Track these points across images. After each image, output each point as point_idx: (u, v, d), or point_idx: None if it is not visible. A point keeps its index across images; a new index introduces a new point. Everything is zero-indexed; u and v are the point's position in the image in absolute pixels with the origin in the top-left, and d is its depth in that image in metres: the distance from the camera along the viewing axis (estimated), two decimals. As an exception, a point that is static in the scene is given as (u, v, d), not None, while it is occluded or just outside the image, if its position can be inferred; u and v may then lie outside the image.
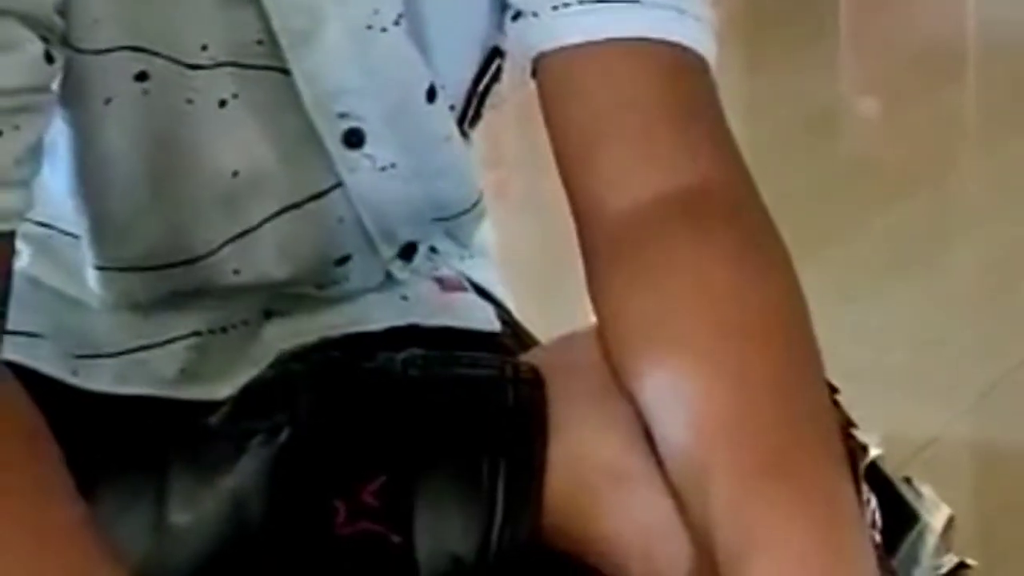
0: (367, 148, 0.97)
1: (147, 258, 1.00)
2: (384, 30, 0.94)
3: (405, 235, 1.04)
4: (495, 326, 1.06)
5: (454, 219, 1.06)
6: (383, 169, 0.98)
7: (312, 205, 0.99)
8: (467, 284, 1.09)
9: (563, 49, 0.93)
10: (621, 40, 0.92)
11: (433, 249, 1.09)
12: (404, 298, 1.05)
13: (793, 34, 3.48)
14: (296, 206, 0.99)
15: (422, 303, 1.05)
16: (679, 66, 0.93)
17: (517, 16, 0.95)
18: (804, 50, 3.38)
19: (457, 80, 1.01)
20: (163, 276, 1.00)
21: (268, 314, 1.03)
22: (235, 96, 0.94)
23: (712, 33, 0.95)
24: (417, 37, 0.96)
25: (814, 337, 0.88)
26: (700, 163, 0.91)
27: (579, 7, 0.92)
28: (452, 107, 1.01)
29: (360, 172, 0.98)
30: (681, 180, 0.90)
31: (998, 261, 2.44)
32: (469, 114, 1.03)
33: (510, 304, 1.13)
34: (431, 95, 0.98)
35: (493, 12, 0.98)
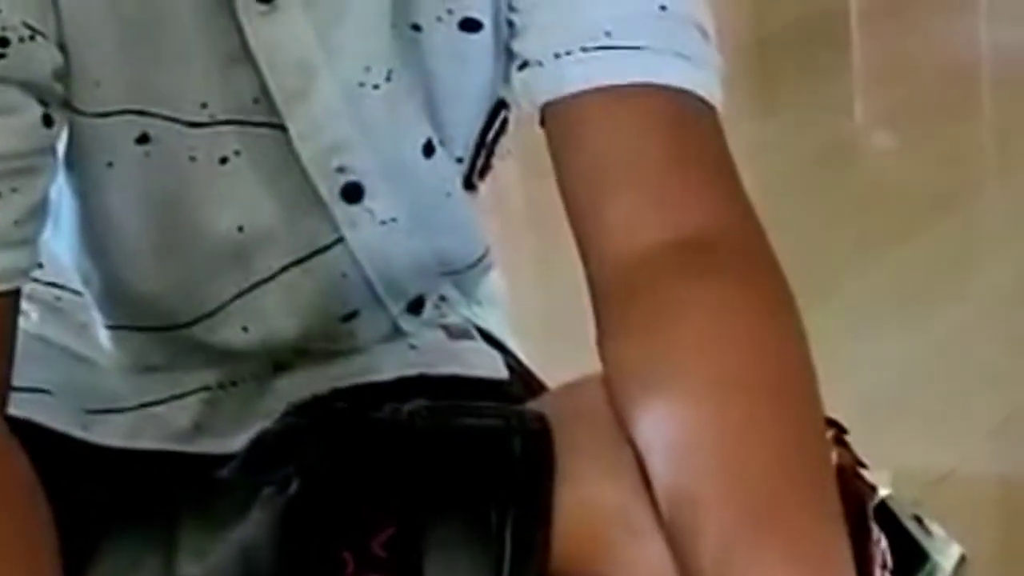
0: (366, 202, 0.98)
1: (156, 317, 1.01)
2: (376, 87, 0.95)
3: (412, 289, 1.04)
4: (503, 373, 1.07)
5: (461, 273, 1.07)
6: (383, 223, 0.99)
7: (316, 260, 0.99)
8: (474, 332, 1.09)
9: (568, 97, 0.93)
10: (625, 87, 0.92)
11: (441, 297, 1.09)
12: (412, 347, 1.06)
13: (805, 67, 3.48)
14: (300, 261, 0.99)
15: (430, 352, 1.05)
16: (685, 111, 0.93)
17: (523, 66, 0.96)
18: (817, 83, 3.38)
19: (466, 132, 1.01)
20: (173, 336, 1.01)
21: (278, 367, 1.04)
22: (236, 153, 0.95)
23: (718, 78, 0.95)
24: (424, 91, 0.97)
25: (815, 385, 0.88)
26: (706, 210, 0.91)
27: (582, 54, 0.92)
28: (460, 159, 1.01)
29: (360, 226, 0.98)
30: (687, 228, 0.90)
31: (1013, 293, 2.44)
32: (478, 165, 1.03)
33: (518, 349, 1.14)
34: (428, 151, 0.98)
35: (498, 63, 0.99)
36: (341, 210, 0.98)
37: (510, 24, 0.96)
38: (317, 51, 0.93)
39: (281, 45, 0.92)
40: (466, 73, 0.98)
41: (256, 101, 0.94)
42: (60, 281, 1.02)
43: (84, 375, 1.04)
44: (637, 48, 0.92)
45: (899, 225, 2.69)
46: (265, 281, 0.99)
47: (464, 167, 1.02)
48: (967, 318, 2.35)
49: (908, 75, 3.44)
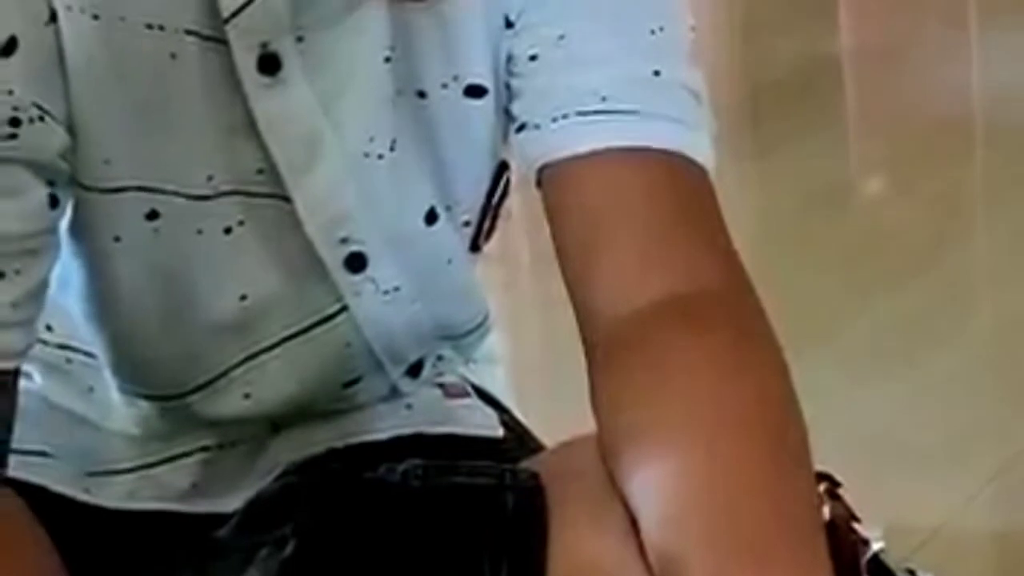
0: (369, 271, 0.98)
1: (159, 384, 1.02)
2: (380, 156, 0.96)
3: (412, 354, 1.05)
4: (498, 432, 1.08)
5: (461, 338, 1.08)
6: (386, 292, 1.00)
7: (319, 330, 1.00)
8: (470, 390, 1.10)
9: (564, 160, 0.94)
10: (620, 150, 0.93)
11: (439, 358, 1.10)
12: (408, 407, 1.07)
13: (799, 116, 3.49)
14: (304, 331, 1.00)
15: (426, 411, 1.06)
16: (678, 174, 0.94)
17: (521, 128, 0.97)
18: (810, 130, 3.40)
19: (472, 196, 1.02)
20: (175, 403, 1.02)
21: (276, 427, 1.05)
22: (240, 223, 0.96)
23: (710, 140, 0.96)
24: (429, 158, 0.98)
25: (804, 441, 0.88)
26: (697, 272, 0.92)
27: (578, 118, 0.94)
28: (467, 223, 1.03)
29: (364, 296, 0.99)
30: (678, 288, 0.91)
31: (1006, 341, 2.44)
32: (484, 228, 1.04)
33: (513, 406, 1.15)
34: (431, 218, 1.00)
35: (499, 125, 1.00)
36: (344, 280, 0.98)
37: (508, 87, 0.98)
38: (322, 123, 0.94)
39: (285, 117, 0.93)
40: (471, 138, 0.99)
41: (260, 172, 0.94)
42: (72, 343, 1.02)
43: (86, 438, 1.04)
44: (632, 112, 0.94)
45: (892, 271, 2.69)
46: (267, 350, 1.00)
47: (471, 231, 1.03)
48: (960, 367, 2.35)
49: (901, 122, 3.45)
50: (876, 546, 0.96)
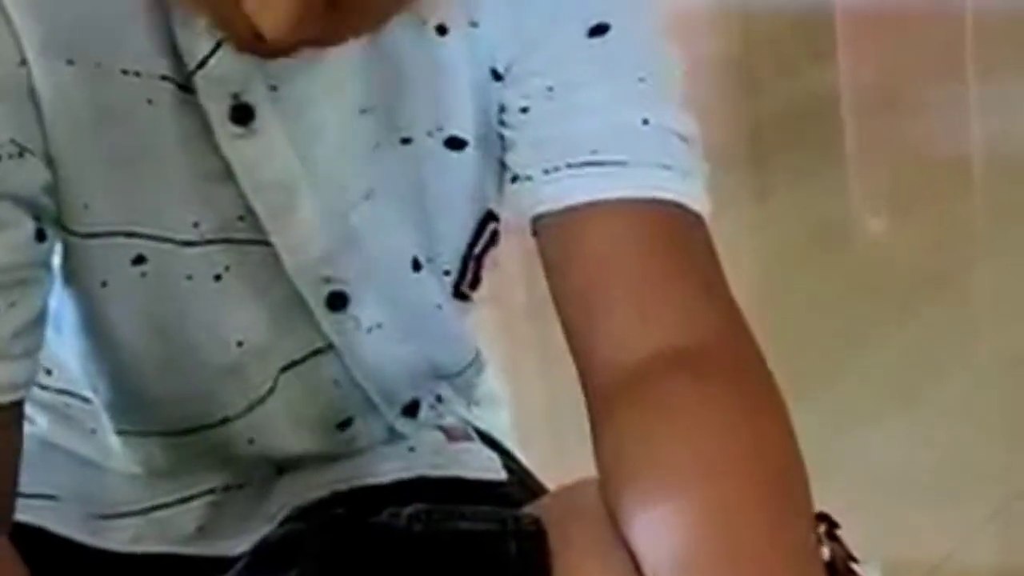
0: (351, 310, 0.99)
1: (162, 424, 1.02)
2: (351, 207, 0.97)
3: (406, 394, 1.06)
4: (501, 475, 1.08)
5: (452, 377, 1.09)
6: (369, 330, 1.00)
7: (307, 365, 1.01)
8: (472, 433, 1.11)
9: (557, 212, 0.94)
10: (612, 201, 0.93)
11: (438, 398, 1.11)
12: (411, 449, 1.07)
13: (799, 157, 3.50)
14: (293, 365, 1.01)
15: (429, 454, 1.07)
16: (671, 223, 0.94)
17: (515, 179, 0.97)
18: (810, 172, 3.40)
19: (453, 245, 1.03)
20: (178, 442, 1.02)
21: (280, 470, 1.05)
22: (227, 269, 0.96)
23: (703, 186, 0.96)
24: (413, 205, 0.99)
25: (805, 484, 0.89)
26: (695, 321, 0.92)
27: (568, 171, 0.94)
28: (448, 272, 1.03)
29: (347, 334, 1.00)
30: (676, 339, 0.91)
31: (1007, 377, 2.45)
32: (467, 278, 1.05)
33: (518, 447, 1.15)
34: (416, 266, 1.00)
35: (487, 177, 1.01)
36: (327, 318, 0.99)
37: (502, 137, 0.98)
38: (297, 170, 0.94)
39: (260, 165, 0.93)
40: (452, 188, 1.00)
41: (241, 219, 0.95)
42: (69, 388, 1.03)
43: (91, 480, 1.05)
44: (623, 163, 0.94)
45: (892, 308, 2.70)
46: (267, 394, 1.01)
47: (451, 279, 1.04)
48: (962, 403, 2.36)
49: (899, 162, 3.46)
50: (875, 586, 0.97)
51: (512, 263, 2.34)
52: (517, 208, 0.98)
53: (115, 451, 1.04)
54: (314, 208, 0.95)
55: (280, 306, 0.98)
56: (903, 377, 2.46)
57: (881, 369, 2.49)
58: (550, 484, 1.07)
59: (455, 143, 0.98)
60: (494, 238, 1.04)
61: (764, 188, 3.47)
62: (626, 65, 0.95)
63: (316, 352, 1.01)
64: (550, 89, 0.95)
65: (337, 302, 0.99)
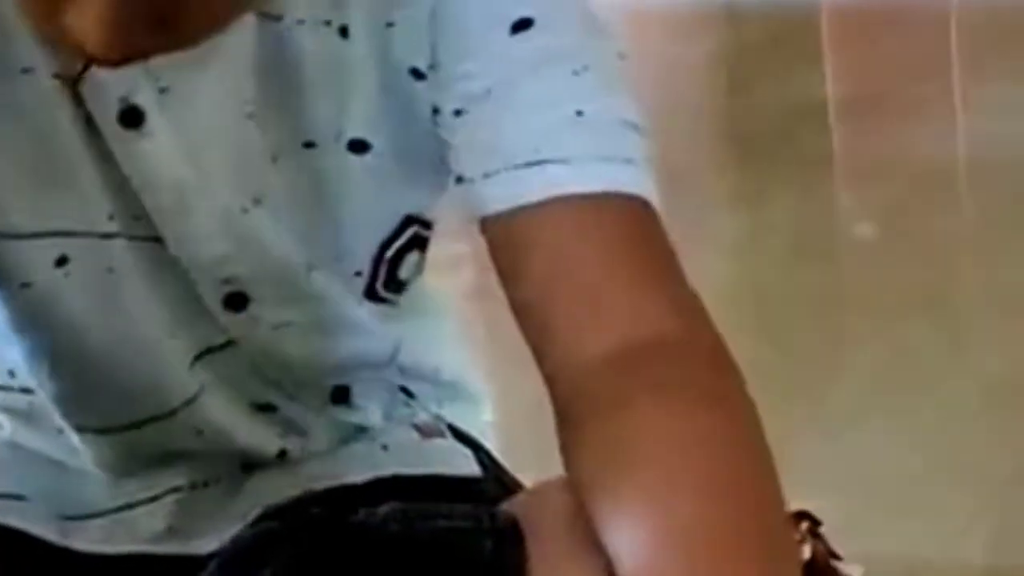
0: (251, 310, 0.98)
1: (112, 420, 1.01)
2: (246, 210, 0.95)
3: (325, 383, 1.04)
4: (475, 471, 1.07)
5: (373, 369, 1.07)
6: (274, 328, 0.99)
7: (218, 357, 1.00)
8: (445, 430, 1.10)
9: (501, 215, 0.93)
10: (554, 200, 0.91)
11: (408, 393, 1.10)
12: (384, 448, 1.06)
13: (786, 165, 3.51)
14: (204, 355, 1.00)
15: (402, 452, 1.06)
16: (617, 215, 0.92)
17: (459, 180, 0.95)
18: (798, 177, 3.41)
19: (363, 247, 1.01)
20: (135, 438, 1.01)
21: (248, 467, 1.04)
22: (132, 266, 0.95)
23: (648, 171, 0.94)
24: (313, 209, 0.97)
25: (774, 482, 0.87)
26: (652, 315, 0.90)
27: (509, 173, 0.92)
28: (359, 273, 1.01)
29: (248, 332, 0.99)
30: (634, 335, 0.90)
31: (994, 386, 2.45)
32: (380, 279, 1.02)
33: (499, 446, 1.14)
34: (310, 267, 0.98)
35: (405, 178, 0.99)
36: (225, 317, 0.98)
37: (438, 139, 0.96)
38: (186, 173, 0.93)
39: (149, 168, 0.92)
40: (357, 192, 0.98)
41: (138, 218, 0.94)
42: (30, 385, 1.02)
43: (59, 480, 1.04)
44: (563, 161, 0.92)
45: (880, 317, 2.70)
46: (198, 388, 1.00)
47: (363, 280, 1.02)
48: (948, 409, 2.36)
49: (887, 170, 3.47)
50: (857, 584, 0.96)
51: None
52: (464, 210, 0.96)
53: (80, 451, 1.03)
54: (206, 211, 0.94)
55: (181, 303, 0.97)
56: (890, 382, 2.46)
57: (868, 374, 2.49)
58: (532, 481, 1.06)
59: (358, 146, 0.96)
60: (418, 242, 1.02)
61: (751, 192, 3.47)
62: (556, 59, 0.93)
63: (222, 346, 1.00)
64: (481, 92, 0.93)
65: (236, 302, 0.97)
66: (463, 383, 1.15)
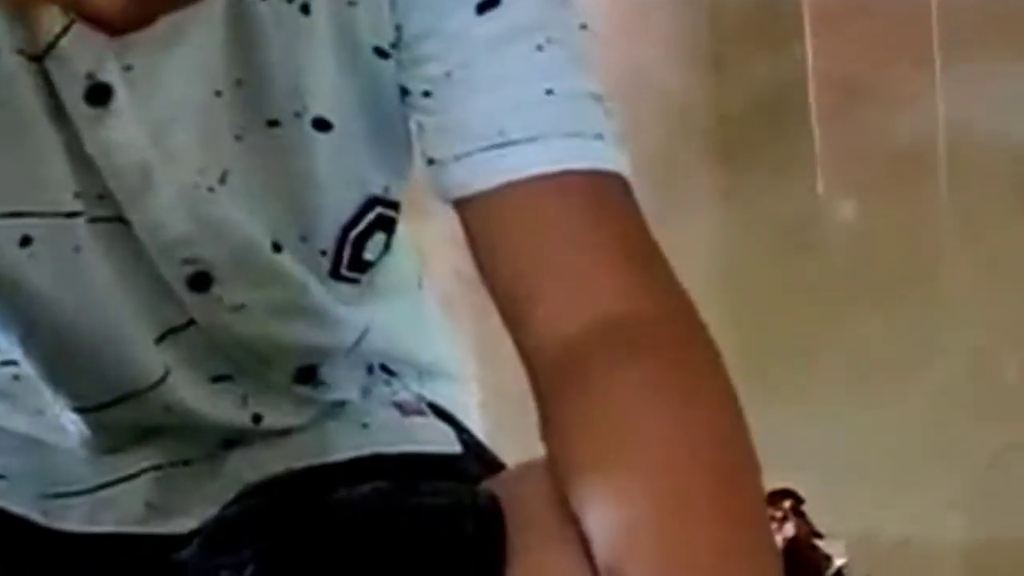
0: (214, 291, 0.97)
1: (85, 397, 1.01)
2: (211, 189, 0.94)
3: (288, 365, 1.04)
4: (456, 448, 1.07)
5: (338, 355, 1.06)
6: (234, 310, 0.98)
7: (181, 337, 0.99)
8: (426, 408, 1.09)
9: (473, 197, 0.92)
10: (526, 180, 0.91)
11: (389, 371, 1.09)
12: (365, 426, 1.06)
13: (767, 148, 3.50)
14: (168, 335, 0.99)
15: (383, 430, 1.05)
16: (591, 192, 0.92)
17: (430, 162, 0.95)
18: (778, 159, 3.41)
19: (327, 227, 1.00)
20: (109, 415, 1.01)
21: (229, 445, 1.04)
22: (100, 245, 0.94)
23: (617, 145, 0.94)
24: (277, 188, 0.96)
25: (752, 460, 0.87)
26: (625, 292, 0.90)
27: (479, 155, 0.92)
28: (324, 252, 1.00)
29: (209, 312, 0.98)
30: (608, 312, 0.89)
31: (974, 365, 2.45)
32: (344, 259, 1.01)
33: (475, 424, 1.14)
34: (276, 247, 0.98)
35: (369, 158, 0.98)
36: (188, 298, 0.97)
37: (413, 122, 0.95)
38: (151, 153, 0.92)
39: (114, 147, 0.91)
40: (320, 169, 0.97)
41: (101, 197, 0.93)
42: (14, 358, 1.01)
43: (40, 459, 1.04)
44: (532, 139, 0.91)
45: (862, 298, 2.70)
46: (164, 368, 0.99)
47: (328, 260, 1.01)
48: (928, 390, 2.36)
49: (868, 153, 3.47)
50: (839, 562, 0.96)
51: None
52: (436, 192, 0.95)
53: (60, 429, 1.03)
54: (170, 190, 0.93)
55: (145, 283, 0.96)
56: (874, 363, 2.46)
57: (850, 356, 2.50)
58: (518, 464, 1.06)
59: (322, 125, 0.95)
60: (383, 223, 1.01)
61: (729, 178, 3.47)
62: (521, 36, 0.92)
63: (184, 326, 0.99)
64: (448, 74, 0.92)
65: (199, 282, 0.96)
66: (442, 362, 1.14)
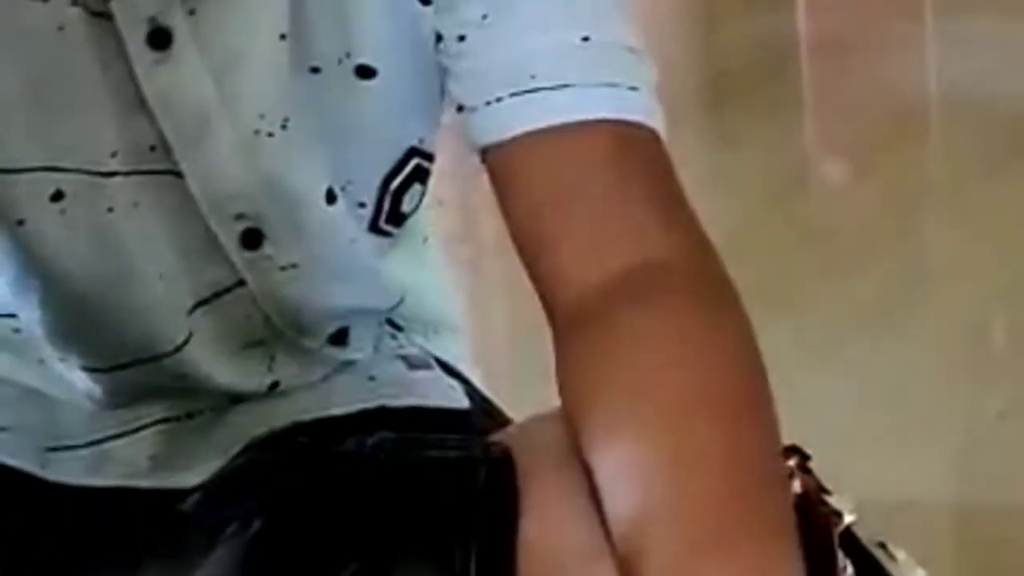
0: (266, 249, 0.96)
1: (97, 359, 1.00)
2: (271, 135, 0.94)
3: (326, 328, 1.03)
4: (464, 403, 1.06)
5: (377, 315, 1.06)
6: (283, 269, 0.98)
7: (220, 302, 0.99)
8: (433, 362, 1.08)
9: (503, 143, 0.92)
10: (558, 127, 0.91)
11: (396, 326, 1.08)
12: (371, 379, 1.05)
13: (759, 104, 3.50)
14: (205, 302, 0.98)
15: (390, 383, 1.05)
16: (621, 142, 0.92)
17: (460, 109, 0.95)
18: (770, 119, 3.40)
19: (367, 177, 0.99)
20: (118, 377, 1.00)
21: (235, 399, 1.03)
22: (139, 202, 0.94)
23: (652, 98, 0.93)
24: (324, 136, 0.96)
25: (769, 408, 0.87)
26: (652, 240, 0.90)
27: (512, 100, 0.91)
28: (363, 204, 1.00)
29: (260, 272, 0.98)
30: (634, 258, 0.89)
31: (967, 318, 2.45)
32: (384, 211, 1.01)
33: (480, 378, 1.13)
34: (330, 198, 0.97)
35: (410, 108, 0.98)
36: (240, 256, 0.97)
37: (443, 69, 0.95)
38: (212, 99, 0.92)
39: (175, 93, 0.91)
40: (364, 119, 0.97)
41: (153, 149, 0.92)
42: (13, 311, 1.00)
43: (41, 412, 1.03)
44: (565, 86, 0.91)
45: (852, 255, 2.70)
46: (188, 334, 0.98)
47: (368, 212, 1.00)
48: (923, 349, 2.37)
49: (859, 109, 3.47)
50: (849, 519, 0.96)
51: (480, 200, 2.33)
52: (465, 139, 0.95)
53: (63, 381, 1.02)
54: (228, 139, 0.93)
55: (193, 242, 0.96)
56: (864, 318, 2.46)
57: (841, 316, 2.49)
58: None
59: (365, 72, 0.95)
60: (420, 175, 1.01)
61: (722, 133, 3.47)
62: None
63: (228, 289, 0.98)
64: (484, 17, 0.92)
65: (251, 240, 0.96)
66: (448, 317, 1.14)
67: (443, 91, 0.96)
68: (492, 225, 2.62)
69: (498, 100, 0.92)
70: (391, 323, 1.09)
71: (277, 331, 1.01)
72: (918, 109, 3.45)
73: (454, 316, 1.15)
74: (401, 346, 1.08)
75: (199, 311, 0.98)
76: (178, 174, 0.93)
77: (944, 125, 3.42)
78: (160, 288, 0.96)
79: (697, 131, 3.38)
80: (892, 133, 3.27)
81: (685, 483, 0.82)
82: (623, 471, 0.84)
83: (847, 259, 2.70)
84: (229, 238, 0.96)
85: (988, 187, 2.93)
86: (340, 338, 1.04)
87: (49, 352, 1.01)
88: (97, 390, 1.01)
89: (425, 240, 1.14)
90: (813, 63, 3.87)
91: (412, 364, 1.07)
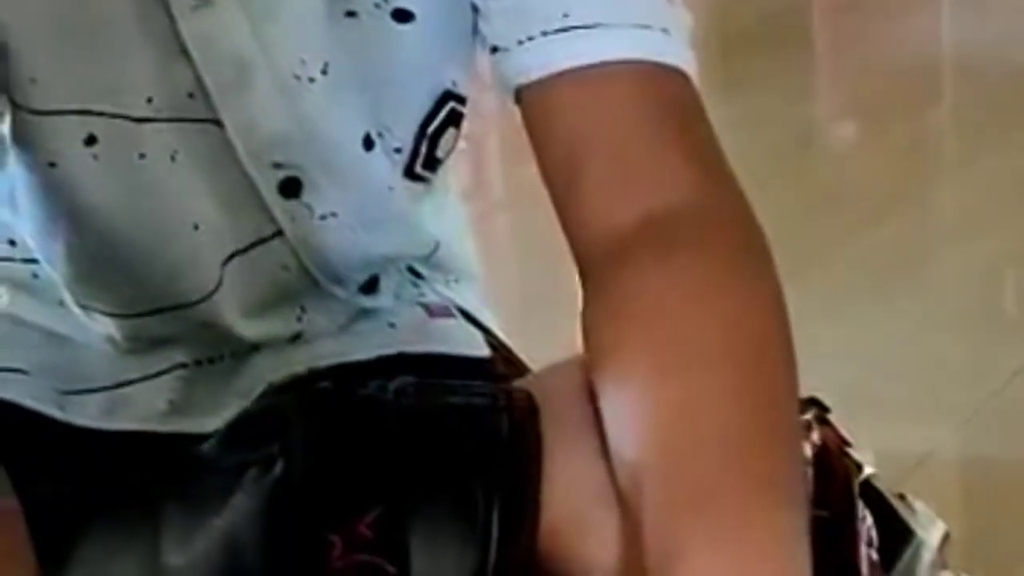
0: (304, 197, 0.96)
1: (122, 306, 1.00)
2: (312, 80, 0.93)
3: (359, 277, 1.03)
4: (484, 351, 1.06)
5: (409, 263, 1.06)
6: (323, 218, 0.98)
7: (255, 252, 0.98)
8: (454, 310, 1.08)
9: (536, 82, 0.92)
10: (589, 67, 0.90)
11: (416, 274, 1.08)
12: (391, 325, 1.04)
13: (769, 63, 3.49)
14: (242, 252, 0.98)
15: (410, 330, 1.04)
16: (651, 84, 0.91)
17: (494, 50, 0.94)
18: (780, 77, 3.39)
19: (404, 122, 0.99)
20: (141, 323, 1.00)
21: (255, 346, 1.03)
22: (178, 150, 0.94)
23: (684, 41, 0.93)
24: (361, 81, 0.95)
25: (787, 354, 0.86)
26: (681, 184, 0.89)
27: (543, 39, 0.91)
28: (399, 150, 1.00)
29: (299, 221, 0.97)
30: (663, 203, 0.89)
31: (981, 277, 2.45)
32: (420, 156, 1.01)
33: (496, 328, 1.13)
34: (368, 144, 0.97)
35: (446, 51, 0.98)
36: (279, 205, 0.96)
37: (476, 9, 0.95)
38: (252, 45, 0.91)
39: (215, 39, 0.91)
40: (401, 63, 0.96)
41: (191, 96, 0.92)
42: (36, 257, 1.00)
43: (60, 354, 1.03)
44: (596, 26, 0.91)
45: (863, 215, 2.70)
46: (218, 282, 0.98)
47: (404, 157, 1.00)
48: (937, 304, 2.36)
49: (870, 69, 3.45)
50: (868, 470, 0.95)
51: (490, 155, 2.32)
52: (497, 80, 0.94)
53: (82, 325, 1.01)
54: (267, 85, 0.92)
55: (232, 191, 0.95)
56: (874, 282, 2.46)
57: (853, 275, 2.49)
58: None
59: (402, 15, 0.95)
60: (454, 119, 1.01)
61: (732, 95, 3.45)
62: None
63: (264, 239, 0.98)
64: None
65: (290, 188, 0.96)
66: (467, 263, 1.13)
67: (475, 32, 0.96)
68: (502, 181, 2.62)
69: (530, 39, 0.91)
70: (411, 271, 1.09)
71: (310, 281, 1.01)
72: (932, 71, 3.43)
73: (474, 265, 1.15)
74: (422, 294, 1.08)
75: (234, 261, 0.98)
76: (216, 122, 0.93)
77: (956, 84, 3.41)
78: (196, 238, 0.96)
79: (709, 92, 3.37)
80: (903, 91, 3.26)
81: (686, 430, 0.82)
82: (628, 418, 0.83)
83: (858, 216, 2.69)
84: (268, 187, 0.95)
85: (1001, 149, 2.92)
86: (371, 286, 1.04)
87: (69, 297, 1.00)
88: (118, 335, 1.01)
89: (448, 190, 1.14)
90: (827, 24, 3.85)
91: (432, 311, 1.07)
